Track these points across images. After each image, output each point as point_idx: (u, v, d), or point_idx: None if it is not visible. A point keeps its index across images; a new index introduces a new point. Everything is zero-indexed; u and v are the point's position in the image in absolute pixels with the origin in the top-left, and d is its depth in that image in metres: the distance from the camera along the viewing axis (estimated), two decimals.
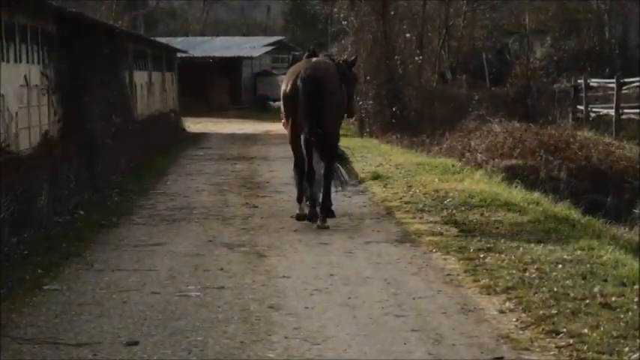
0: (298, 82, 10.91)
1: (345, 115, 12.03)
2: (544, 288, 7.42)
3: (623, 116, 26.12)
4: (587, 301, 6.98)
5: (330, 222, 11.27)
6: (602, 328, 6.29)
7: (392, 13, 30.19)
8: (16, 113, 11.80)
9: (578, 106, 30.02)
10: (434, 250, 9.36)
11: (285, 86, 11.28)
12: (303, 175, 11.26)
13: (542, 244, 9.29)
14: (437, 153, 20.43)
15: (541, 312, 6.76)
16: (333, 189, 11.47)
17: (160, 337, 6.39)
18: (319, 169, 11.34)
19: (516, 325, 6.59)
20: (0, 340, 6.29)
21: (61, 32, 14.02)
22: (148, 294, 7.64)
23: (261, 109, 41.00)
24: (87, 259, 9.11)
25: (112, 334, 6.47)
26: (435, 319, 6.82)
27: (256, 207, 12.73)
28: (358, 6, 29.75)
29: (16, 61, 11.91)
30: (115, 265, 8.85)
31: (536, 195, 13.14)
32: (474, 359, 5.92)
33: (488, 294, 7.49)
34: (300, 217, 11.21)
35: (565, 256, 8.62)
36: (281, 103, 11.72)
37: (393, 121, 28.39)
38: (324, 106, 10.89)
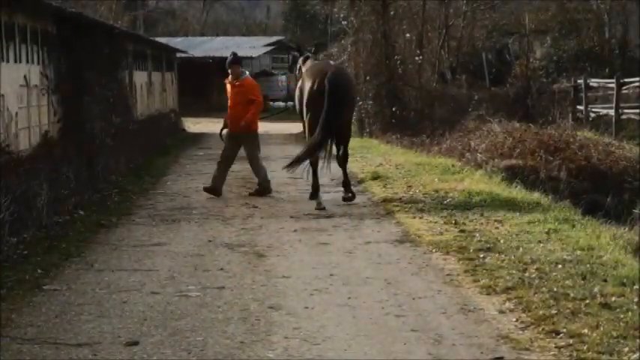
0: (326, 80, 12.41)
1: None
2: (544, 288, 7.42)
3: (623, 116, 26.12)
4: (587, 301, 6.97)
5: (330, 222, 11.34)
6: (602, 328, 6.29)
7: (392, 13, 30.18)
8: (16, 113, 11.81)
9: (578, 106, 30.02)
10: (434, 250, 9.36)
11: (310, 84, 12.71)
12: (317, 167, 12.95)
13: (542, 244, 9.28)
14: (437, 153, 20.40)
15: (541, 312, 6.76)
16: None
17: (160, 337, 6.40)
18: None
19: (516, 325, 6.59)
20: (0, 340, 6.29)
21: (60, 32, 14.03)
22: (148, 294, 7.64)
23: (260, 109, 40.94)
24: (87, 259, 9.12)
25: (112, 334, 6.47)
26: (435, 319, 6.82)
27: (256, 207, 12.73)
28: (358, 6, 29.72)
29: (16, 61, 11.92)
30: (115, 265, 8.85)
31: (536, 195, 13.13)
32: (473, 359, 5.92)
33: (488, 294, 7.49)
34: (319, 208, 12.37)
35: (565, 256, 8.61)
36: (299, 98, 13.26)
37: (393, 121, 28.37)
38: (345, 102, 12.71)
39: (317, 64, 13.83)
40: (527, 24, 39.22)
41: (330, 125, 12.39)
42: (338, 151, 13.04)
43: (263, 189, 13.90)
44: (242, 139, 13.86)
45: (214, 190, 13.72)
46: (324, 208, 12.31)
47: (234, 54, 14.30)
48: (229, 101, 13.94)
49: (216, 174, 13.88)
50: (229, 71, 13.92)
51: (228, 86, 14.00)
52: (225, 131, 14.27)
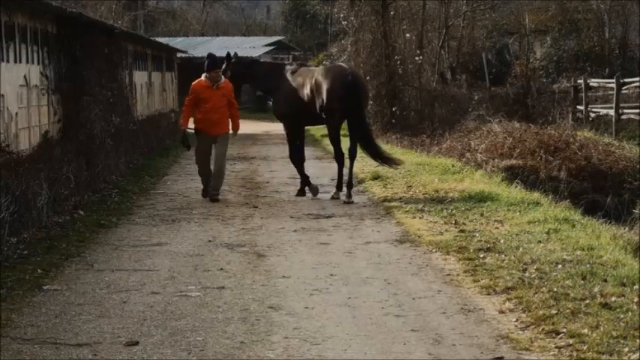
0: (349, 80, 12.98)
1: None
2: (544, 288, 7.42)
3: (623, 116, 26.12)
4: (587, 301, 6.97)
5: (330, 222, 11.35)
6: (602, 328, 6.29)
7: (392, 13, 30.18)
8: (16, 113, 11.81)
9: (578, 106, 30.01)
10: (434, 250, 9.36)
11: (327, 85, 13.01)
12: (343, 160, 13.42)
13: (542, 244, 9.28)
14: (437, 153, 20.40)
15: (541, 312, 6.75)
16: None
17: (160, 337, 6.40)
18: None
19: (516, 325, 6.59)
20: (0, 340, 6.29)
21: (61, 32, 14.02)
22: (148, 294, 7.64)
23: (261, 109, 40.99)
24: (87, 259, 9.12)
25: (112, 334, 6.47)
26: (435, 319, 6.82)
27: (256, 207, 12.73)
28: (358, 6, 29.72)
29: (16, 61, 11.91)
30: (115, 265, 8.85)
31: (536, 195, 13.13)
32: (473, 359, 5.92)
33: (488, 294, 7.50)
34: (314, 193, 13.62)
35: (565, 256, 8.61)
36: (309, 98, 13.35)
37: (393, 121, 28.37)
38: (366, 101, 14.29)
39: (330, 66, 14.81)
40: (527, 24, 39.23)
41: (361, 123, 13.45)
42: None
43: (215, 194, 13.26)
44: (218, 139, 13.33)
45: (217, 196, 13.32)
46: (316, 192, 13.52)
47: (213, 56, 13.56)
48: (206, 105, 13.13)
49: (205, 182, 13.47)
50: (207, 75, 13.16)
51: (205, 90, 13.16)
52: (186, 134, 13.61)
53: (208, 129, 13.26)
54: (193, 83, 13.37)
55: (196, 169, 13.95)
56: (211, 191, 13.29)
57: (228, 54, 14.42)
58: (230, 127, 13.50)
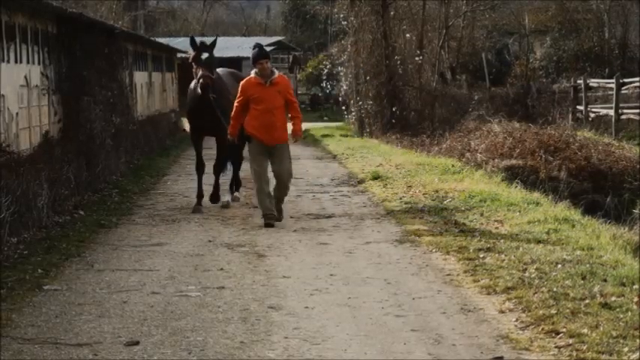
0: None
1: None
2: (544, 288, 7.42)
3: (623, 116, 26.14)
4: (587, 301, 6.97)
5: (330, 222, 11.36)
6: (601, 328, 6.29)
7: (392, 13, 30.19)
8: (17, 113, 11.81)
9: (578, 107, 30.04)
10: (434, 250, 9.37)
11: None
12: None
13: (542, 244, 9.29)
14: (437, 153, 20.41)
15: (541, 312, 6.76)
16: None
17: (160, 337, 6.40)
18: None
19: (516, 325, 6.59)
20: (0, 340, 6.29)
21: (61, 32, 14.02)
22: (148, 294, 7.64)
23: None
24: (87, 259, 9.12)
25: (112, 334, 6.47)
26: (435, 319, 6.82)
27: (256, 207, 12.70)
28: (358, 6, 29.72)
29: (16, 61, 11.91)
30: (115, 265, 8.86)
31: (536, 195, 13.13)
32: (473, 359, 5.93)
33: (488, 294, 7.50)
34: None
35: (565, 256, 8.61)
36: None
37: (393, 121, 28.38)
38: None
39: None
40: (527, 24, 39.26)
41: None
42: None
43: (270, 215, 11.17)
44: (275, 150, 11.22)
45: (273, 217, 11.19)
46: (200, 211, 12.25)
47: (260, 46, 11.32)
48: (258, 106, 11.00)
49: (266, 203, 11.18)
50: (256, 68, 11.08)
51: (256, 88, 11.07)
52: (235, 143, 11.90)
53: (263, 135, 11.05)
54: (242, 82, 11.33)
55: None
56: (268, 210, 11.14)
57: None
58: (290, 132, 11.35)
